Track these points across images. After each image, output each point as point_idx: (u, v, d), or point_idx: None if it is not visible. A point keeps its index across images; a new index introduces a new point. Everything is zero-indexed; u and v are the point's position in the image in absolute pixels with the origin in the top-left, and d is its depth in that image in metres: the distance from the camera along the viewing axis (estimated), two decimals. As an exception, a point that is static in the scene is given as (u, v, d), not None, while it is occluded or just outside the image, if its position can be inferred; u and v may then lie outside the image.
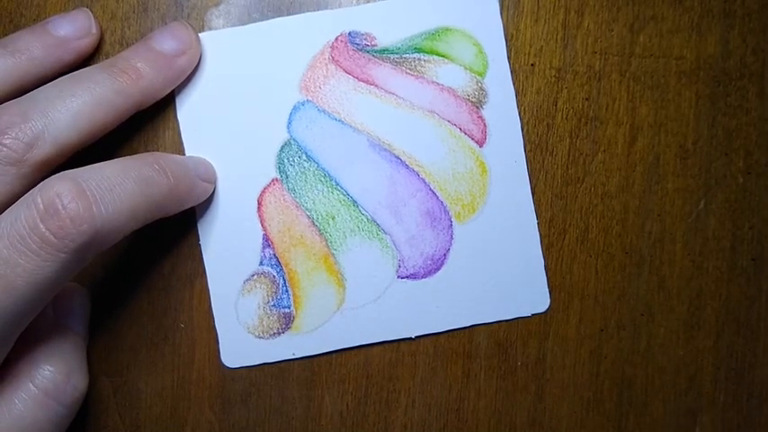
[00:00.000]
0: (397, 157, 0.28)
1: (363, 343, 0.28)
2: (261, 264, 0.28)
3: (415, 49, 0.28)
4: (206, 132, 0.28)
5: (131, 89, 0.25)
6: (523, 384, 0.29)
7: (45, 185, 0.22)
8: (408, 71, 0.28)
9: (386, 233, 0.28)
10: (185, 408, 0.29)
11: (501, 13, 0.28)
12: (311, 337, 0.28)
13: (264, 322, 0.28)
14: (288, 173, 0.28)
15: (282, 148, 0.28)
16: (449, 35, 0.28)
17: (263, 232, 0.28)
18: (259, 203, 0.28)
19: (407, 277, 0.28)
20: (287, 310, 0.28)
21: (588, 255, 0.29)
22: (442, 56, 0.28)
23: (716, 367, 0.29)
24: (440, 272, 0.28)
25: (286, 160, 0.28)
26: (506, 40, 0.29)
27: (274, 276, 0.28)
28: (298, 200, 0.28)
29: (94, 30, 0.27)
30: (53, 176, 0.22)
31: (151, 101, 0.27)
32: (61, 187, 0.22)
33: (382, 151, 0.28)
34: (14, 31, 0.28)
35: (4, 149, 0.23)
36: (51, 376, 0.24)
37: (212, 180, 0.28)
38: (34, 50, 0.26)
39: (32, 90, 0.25)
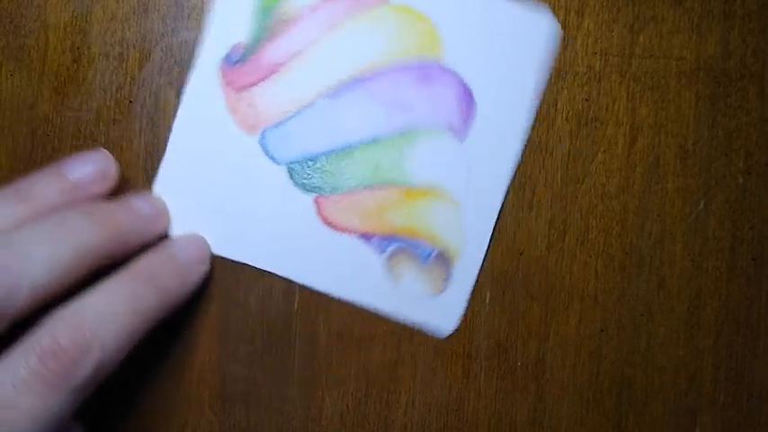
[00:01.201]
0: (364, 78, 0.28)
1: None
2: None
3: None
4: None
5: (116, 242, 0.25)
6: (523, 384, 0.29)
7: (43, 329, 0.22)
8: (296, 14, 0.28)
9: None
10: (185, 408, 0.29)
11: None
12: None
13: None
14: (317, 184, 0.28)
15: (292, 174, 0.28)
16: None
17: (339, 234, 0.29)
18: (324, 221, 0.28)
19: None
20: None
21: (588, 255, 0.29)
22: None
23: (716, 367, 0.29)
24: None
25: (304, 179, 0.28)
26: None
27: None
28: (345, 191, 0.29)
29: (113, 171, 0.27)
30: (50, 316, 0.22)
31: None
32: (60, 330, 0.22)
33: (348, 90, 0.28)
34: (14, 31, 0.29)
35: None
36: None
37: (207, 260, 0.28)
38: (49, 196, 0.25)
39: None
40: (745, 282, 0.29)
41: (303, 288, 0.29)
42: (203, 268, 0.27)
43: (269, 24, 0.28)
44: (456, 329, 0.29)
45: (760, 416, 0.29)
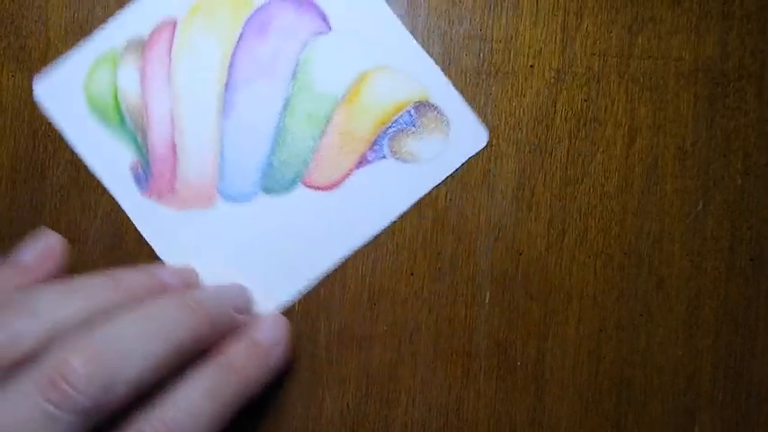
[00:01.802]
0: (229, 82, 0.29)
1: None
2: None
3: None
4: None
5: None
6: (523, 384, 0.29)
7: (57, 356, 0.21)
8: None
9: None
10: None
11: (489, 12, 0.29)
12: None
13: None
14: (290, 176, 0.29)
15: (269, 192, 0.29)
16: None
17: None
18: (325, 188, 0.29)
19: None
20: None
21: (587, 255, 0.29)
22: None
23: (714, 367, 0.29)
24: None
25: (278, 186, 0.29)
26: (506, 41, 0.29)
27: None
28: (312, 153, 0.29)
29: (194, 278, 0.28)
30: (66, 340, 0.22)
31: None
32: (76, 361, 0.21)
33: (230, 97, 0.29)
34: (16, 32, 0.29)
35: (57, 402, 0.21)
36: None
37: (286, 341, 0.27)
38: (138, 287, 0.25)
39: None
40: (743, 282, 0.29)
41: (303, 288, 0.29)
42: (282, 350, 0.27)
43: (131, 126, 0.28)
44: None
45: (759, 415, 0.29)
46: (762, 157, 0.29)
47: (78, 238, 0.28)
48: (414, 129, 0.28)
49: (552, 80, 0.29)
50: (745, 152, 0.29)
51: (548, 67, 0.29)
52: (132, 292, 0.25)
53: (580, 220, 0.29)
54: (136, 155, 0.28)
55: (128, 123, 0.28)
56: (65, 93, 0.29)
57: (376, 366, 0.29)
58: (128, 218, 0.29)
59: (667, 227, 0.29)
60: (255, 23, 0.28)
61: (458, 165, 0.29)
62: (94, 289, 0.24)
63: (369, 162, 0.28)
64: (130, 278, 0.25)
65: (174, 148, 0.28)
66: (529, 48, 0.29)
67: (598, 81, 0.29)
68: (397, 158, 0.28)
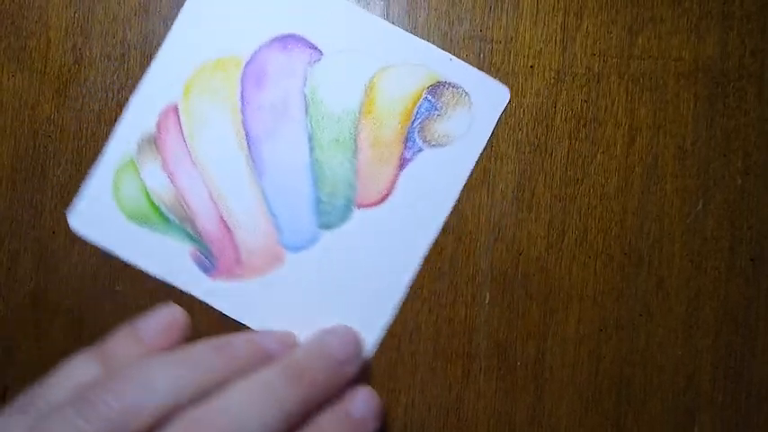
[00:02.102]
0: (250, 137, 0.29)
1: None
2: None
3: None
4: None
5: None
6: (523, 384, 0.29)
7: (181, 429, 0.22)
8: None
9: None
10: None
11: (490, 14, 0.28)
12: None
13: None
14: (342, 203, 0.29)
15: (326, 226, 0.29)
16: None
17: None
18: (377, 203, 0.29)
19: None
20: None
21: (587, 255, 0.29)
22: None
23: (714, 366, 0.29)
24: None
25: (333, 219, 0.29)
26: (506, 41, 0.29)
27: None
28: (345, 180, 0.29)
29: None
30: (186, 413, 0.23)
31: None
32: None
33: (256, 149, 0.29)
34: (16, 32, 0.29)
35: None
36: None
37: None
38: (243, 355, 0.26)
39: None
40: (743, 282, 0.29)
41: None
42: (374, 424, 0.27)
43: (176, 220, 0.28)
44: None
45: (758, 415, 0.29)
46: (762, 157, 0.29)
47: (78, 237, 0.28)
48: (437, 112, 0.28)
49: (552, 80, 0.29)
50: (745, 152, 0.29)
51: (548, 68, 0.29)
52: (238, 362, 0.25)
53: (580, 220, 0.29)
54: (191, 244, 0.28)
55: (172, 219, 0.28)
56: (99, 215, 0.28)
57: (376, 366, 0.29)
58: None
59: (667, 227, 0.29)
60: (252, 77, 0.28)
61: (491, 128, 0.28)
62: (204, 360, 0.24)
63: (409, 161, 0.28)
64: (235, 348, 0.25)
65: (224, 223, 0.28)
66: (529, 48, 0.29)
67: (598, 81, 0.29)
68: (434, 146, 0.28)
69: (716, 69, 0.29)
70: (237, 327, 0.29)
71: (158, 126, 0.28)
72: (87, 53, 0.29)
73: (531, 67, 0.29)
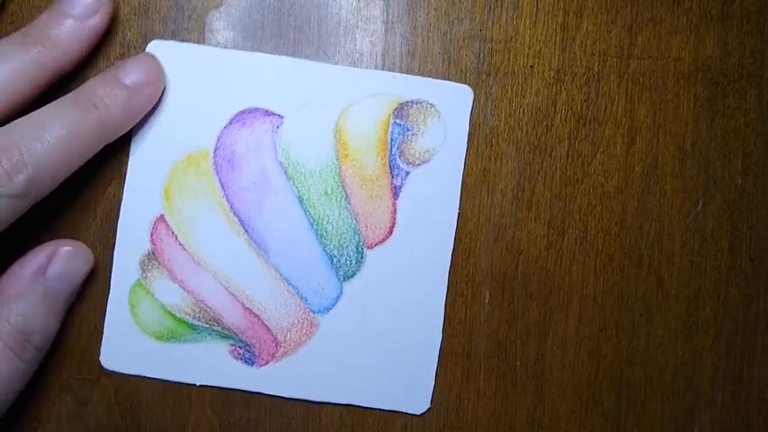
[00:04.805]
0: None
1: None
2: None
3: None
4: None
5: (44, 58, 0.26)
6: (523, 384, 0.29)
7: None
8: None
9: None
10: (186, 408, 0.29)
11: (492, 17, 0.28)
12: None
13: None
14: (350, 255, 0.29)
15: (343, 277, 0.29)
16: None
17: None
18: (382, 240, 0.29)
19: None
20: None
21: (587, 255, 0.29)
22: None
23: (714, 367, 0.29)
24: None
25: (346, 269, 0.29)
26: (506, 41, 0.29)
27: None
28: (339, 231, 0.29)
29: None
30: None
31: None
32: None
33: (251, 226, 0.29)
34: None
35: None
36: (13, 332, 0.25)
37: (156, 81, 0.27)
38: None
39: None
40: (743, 282, 0.29)
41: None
42: (152, 90, 0.27)
43: (204, 326, 0.28)
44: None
45: (758, 416, 0.29)
46: (761, 157, 0.29)
47: (78, 237, 0.28)
48: (410, 132, 0.28)
49: (552, 80, 0.29)
50: (745, 152, 0.29)
51: (548, 67, 0.29)
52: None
53: (580, 220, 0.29)
54: (227, 342, 0.28)
55: (200, 326, 0.28)
56: (128, 348, 0.28)
57: (376, 366, 0.29)
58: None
59: (667, 227, 0.29)
60: (224, 163, 0.28)
61: (467, 128, 0.28)
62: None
63: (400, 187, 0.28)
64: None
65: (250, 311, 0.28)
66: (529, 48, 0.29)
67: (598, 81, 0.29)
68: (418, 165, 0.28)
69: (716, 69, 0.29)
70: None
71: (152, 240, 0.28)
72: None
73: (531, 66, 0.29)
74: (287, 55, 0.29)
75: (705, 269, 0.29)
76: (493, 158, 0.29)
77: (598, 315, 0.29)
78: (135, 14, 0.29)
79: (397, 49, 0.29)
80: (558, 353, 0.29)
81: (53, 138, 0.24)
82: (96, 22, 0.27)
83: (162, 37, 0.29)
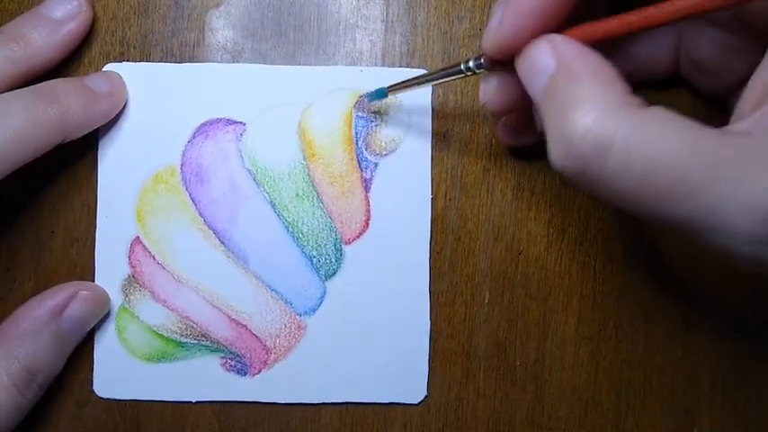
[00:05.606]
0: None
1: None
2: None
3: None
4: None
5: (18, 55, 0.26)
6: (522, 384, 0.29)
7: None
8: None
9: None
10: (185, 408, 0.29)
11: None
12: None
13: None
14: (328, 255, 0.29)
15: (323, 274, 0.29)
16: None
17: None
18: (358, 236, 0.29)
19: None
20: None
21: (587, 255, 0.29)
22: None
23: (714, 368, 0.29)
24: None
25: (326, 269, 0.29)
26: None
27: None
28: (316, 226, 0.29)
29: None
30: None
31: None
32: None
33: (227, 235, 0.29)
34: None
35: None
36: (21, 371, 0.26)
37: (119, 93, 0.28)
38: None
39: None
40: (743, 282, 0.29)
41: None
42: (114, 101, 0.27)
43: (193, 342, 0.28)
44: (455, 330, 0.29)
45: (758, 417, 0.29)
46: None
47: (78, 237, 0.28)
48: (374, 123, 0.28)
49: (552, 80, 0.29)
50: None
51: (548, 67, 0.29)
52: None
53: (580, 220, 0.29)
54: (216, 356, 0.28)
55: (188, 343, 0.28)
56: (120, 374, 0.28)
57: (375, 366, 0.29)
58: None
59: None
60: (192, 177, 0.28)
61: (429, 112, 0.28)
62: None
63: (371, 180, 0.28)
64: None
65: (237, 322, 0.28)
66: (529, 47, 0.29)
67: (598, 81, 0.29)
68: (386, 155, 0.28)
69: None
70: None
71: (131, 263, 0.28)
72: (86, 52, 0.29)
73: (531, 66, 0.29)
74: (287, 54, 0.29)
75: (705, 269, 0.29)
76: (493, 158, 0.29)
77: (598, 315, 0.29)
78: (135, 14, 0.29)
79: (397, 48, 0.29)
80: (558, 353, 0.29)
81: (13, 121, 0.24)
82: (73, 27, 0.27)
83: (162, 37, 0.29)
